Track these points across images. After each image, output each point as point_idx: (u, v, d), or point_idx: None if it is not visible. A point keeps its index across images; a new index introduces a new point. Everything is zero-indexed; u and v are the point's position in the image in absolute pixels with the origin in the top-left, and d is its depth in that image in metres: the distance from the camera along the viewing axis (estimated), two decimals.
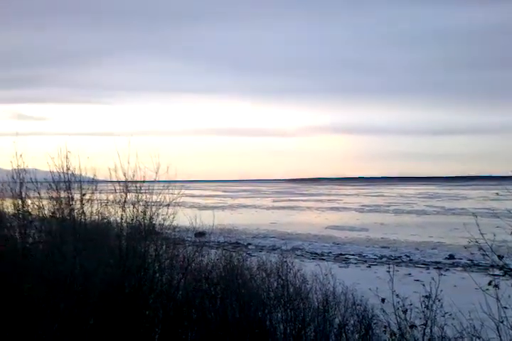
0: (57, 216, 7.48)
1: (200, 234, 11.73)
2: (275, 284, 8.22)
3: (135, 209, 8.00)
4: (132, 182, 8.04)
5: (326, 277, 7.77)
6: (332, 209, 61.26)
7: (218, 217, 11.11)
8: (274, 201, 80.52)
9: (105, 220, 8.18)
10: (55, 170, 7.64)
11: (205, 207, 57.11)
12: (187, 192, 9.08)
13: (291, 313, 7.45)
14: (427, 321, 5.83)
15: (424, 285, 5.99)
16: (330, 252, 26.85)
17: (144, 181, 8.21)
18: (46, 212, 7.65)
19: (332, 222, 43.54)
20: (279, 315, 7.82)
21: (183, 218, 9.15)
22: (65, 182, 7.51)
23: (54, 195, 7.62)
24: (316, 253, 26.23)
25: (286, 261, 8.26)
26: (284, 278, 8.12)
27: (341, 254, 25.99)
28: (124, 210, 7.88)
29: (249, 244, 29.85)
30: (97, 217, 8.00)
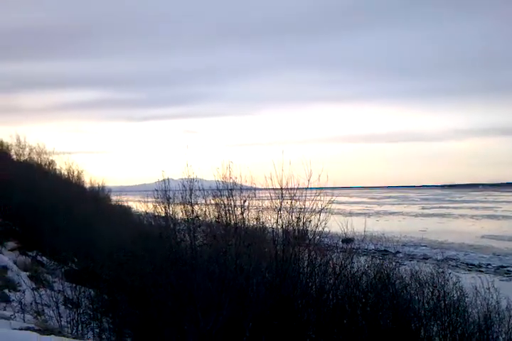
0: (221, 221, 8.21)
1: (348, 240, 11.79)
2: (430, 295, 7.98)
3: (289, 216, 8.41)
4: (286, 189, 8.45)
5: (488, 291, 7.33)
6: (489, 217, 56.19)
7: (364, 223, 11.08)
8: (422, 208, 76.51)
9: (261, 225, 8.74)
10: (218, 179, 8.41)
11: (351, 214, 56.46)
12: (334, 198, 9.28)
13: (449, 327, 7.18)
14: None
15: None
16: (489, 264, 24.81)
17: (297, 188, 8.56)
18: (211, 217, 8.44)
19: (489, 231, 40.01)
20: (434, 328, 7.58)
21: (330, 224, 9.32)
22: (228, 190, 8.22)
23: (218, 201, 8.38)
24: (473, 265, 24.45)
25: (443, 272, 7.97)
26: (439, 289, 7.85)
27: (502, 266, 23.88)
28: (279, 216, 8.34)
29: (398, 252, 28.84)
30: (254, 222, 8.59)
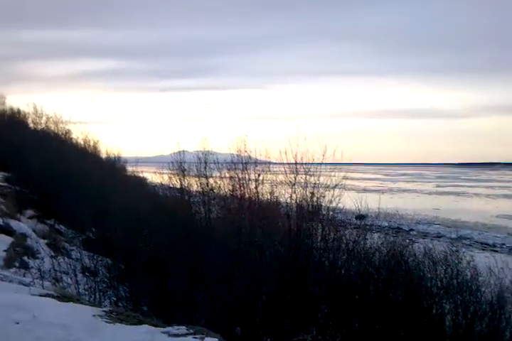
0: (235, 194, 8.24)
1: (361, 216, 11.77)
2: (443, 273, 7.97)
3: (303, 191, 8.40)
4: (301, 164, 8.41)
5: (502, 270, 7.30)
6: (505, 196, 55.64)
7: (378, 200, 11.00)
8: (437, 186, 75.95)
9: (275, 200, 8.74)
10: (233, 153, 8.40)
11: (365, 190, 56.26)
12: (348, 174, 9.22)
13: (461, 305, 7.19)
14: None
15: None
16: (503, 244, 24.67)
17: (311, 163, 8.52)
18: (226, 190, 8.48)
19: (505, 211, 39.64)
20: (447, 305, 7.60)
21: (344, 200, 9.28)
22: (242, 163, 8.22)
23: (232, 175, 8.39)
24: (487, 244, 24.34)
25: (457, 251, 7.94)
26: (453, 267, 7.84)
27: None
28: (293, 191, 8.32)
29: (412, 229, 28.81)
30: (268, 196, 8.60)
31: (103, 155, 25.54)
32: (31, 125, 26.38)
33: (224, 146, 8.79)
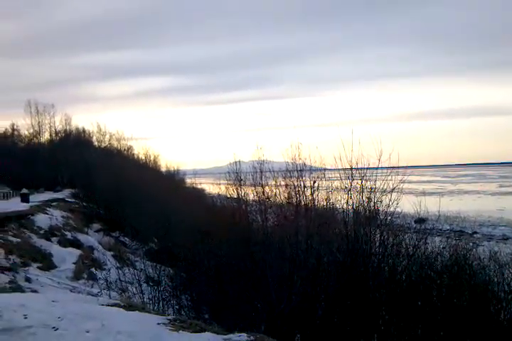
0: (291, 202, 8.31)
1: (421, 220, 11.50)
2: (510, 277, 7.67)
3: (359, 196, 8.34)
4: (356, 169, 8.34)
5: None
6: None
7: (438, 203, 10.69)
8: (500, 186, 72.49)
9: (332, 206, 8.72)
10: (288, 161, 8.49)
11: (424, 193, 54.53)
12: (405, 178, 9.02)
13: None
14: None
15: None
16: None
17: (367, 168, 8.42)
18: (282, 198, 8.57)
19: None
20: None
21: (402, 204, 9.11)
22: (298, 171, 8.28)
23: (288, 183, 8.47)
24: None
25: None
26: None
27: None
28: (349, 197, 8.28)
29: (475, 232, 27.72)
30: (324, 203, 8.60)
31: (163, 169, 26.47)
32: (95, 143, 27.78)
33: (279, 155, 8.90)
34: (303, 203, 8.34)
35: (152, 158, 27.37)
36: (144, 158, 26.94)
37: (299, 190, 8.35)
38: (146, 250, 13.66)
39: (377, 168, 8.56)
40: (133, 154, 28.15)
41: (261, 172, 8.28)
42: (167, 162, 26.74)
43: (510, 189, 64.74)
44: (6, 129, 45.66)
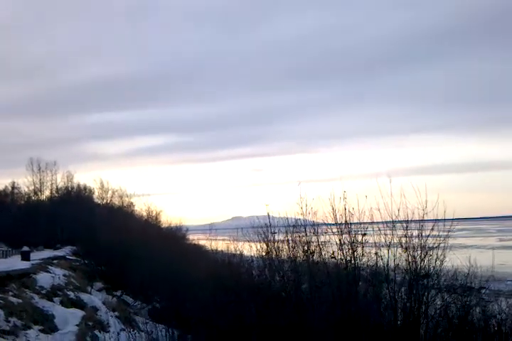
0: (292, 256, 8.23)
1: (424, 275, 11.34)
2: None
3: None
4: (397, 222, 8.20)
5: None
6: None
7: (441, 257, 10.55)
8: (500, 240, 71.93)
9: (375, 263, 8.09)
10: (291, 216, 8.56)
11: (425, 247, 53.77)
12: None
13: None
14: None
15: None
16: None
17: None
18: (286, 253, 8.57)
19: None
20: None
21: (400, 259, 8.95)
22: (303, 226, 8.34)
23: (292, 238, 8.50)
24: None
25: None
26: None
27: None
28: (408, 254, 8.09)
29: (482, 287, 27.07)
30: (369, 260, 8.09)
31: (164, 225, 26.47)
32: (97, 200, 27.92)
33: (279, 210, 8.87)
34: (309, 259, 8.18)
35: (154, 214, 27.48)
36: (145, 214, 27.04)
37: (303, 245, 8.27)
38: (150, 309, 13.40)
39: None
40: (134, 210, 28.26)
41: (267, 227, 8.36)
42: (168, 218, 26.76)
43: (510, 243, 64.14)
44: (5, 187, 45.96)
